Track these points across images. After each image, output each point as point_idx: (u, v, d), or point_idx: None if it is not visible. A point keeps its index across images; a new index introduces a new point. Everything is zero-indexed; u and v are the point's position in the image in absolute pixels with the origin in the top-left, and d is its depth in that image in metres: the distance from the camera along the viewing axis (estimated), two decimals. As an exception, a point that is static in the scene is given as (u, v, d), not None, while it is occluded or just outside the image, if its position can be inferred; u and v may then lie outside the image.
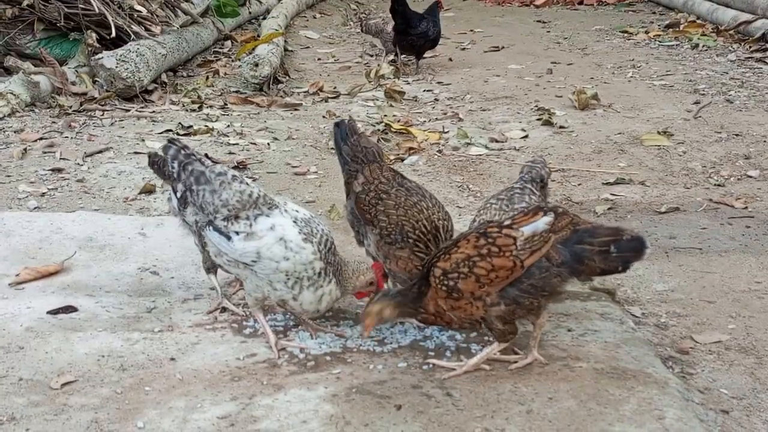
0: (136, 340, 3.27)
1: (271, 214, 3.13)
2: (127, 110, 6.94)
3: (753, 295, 3.97)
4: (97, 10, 7.62)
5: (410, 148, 6.30)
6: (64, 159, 5.56)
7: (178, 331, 3.36)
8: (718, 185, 5.55)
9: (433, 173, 5.79)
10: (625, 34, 11.92)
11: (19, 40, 7.68)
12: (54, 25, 7.71)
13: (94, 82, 7.27)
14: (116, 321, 3.42)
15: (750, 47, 10.14)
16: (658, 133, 6.64)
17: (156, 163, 3.37)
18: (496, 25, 13.53)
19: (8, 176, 5.22)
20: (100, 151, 5.74)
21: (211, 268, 3.52)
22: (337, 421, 2.76)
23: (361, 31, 10.58)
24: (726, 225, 4.86)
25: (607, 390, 2.94)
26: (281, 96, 7.84)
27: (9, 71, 7.32)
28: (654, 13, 14.40)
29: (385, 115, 7.20)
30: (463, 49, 11.13)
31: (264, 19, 11.53)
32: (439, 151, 6.31)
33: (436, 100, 8.10)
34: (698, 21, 12.24)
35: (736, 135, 6.60)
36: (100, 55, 7.24)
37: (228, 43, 10.46)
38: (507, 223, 2.99)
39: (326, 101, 7.77)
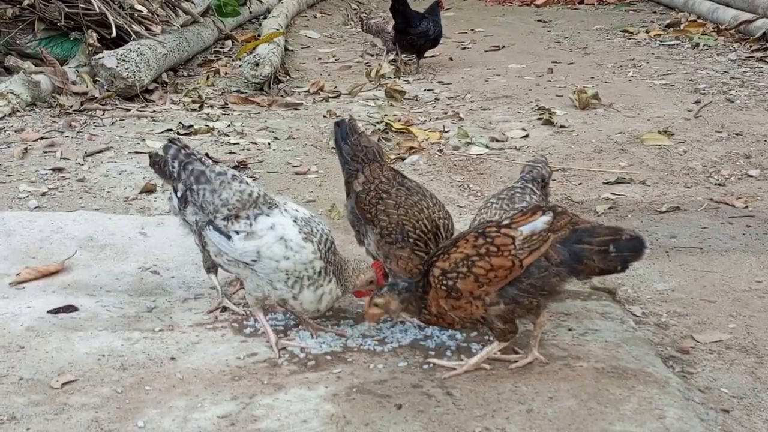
0: (137, 339, 3.28)
1: (271, 214, 3.13)
2: (128, 110, 6.94)
3: (753, 295, 3.97)
4: (97, 10, 7.63)
5: (411, 148, 6.29)
6: (64, 158, 5.56)
7: (179, 330, 3.36)
8: (719, 184, 5.55)
9: (434, 173, 5.79)
10: (626, 34, 11.90)
11: (19, 39, 7.68)
12: (54, 25, 7.71)
13: (94, 81, 7.27)
14: (117, 320, 3.42)
15: (750, 46, 10.13)
16: (659, 132, 6.64)
17: (157, 163, 3.38)
18: (496, 24, 13.53)
19: (9, 176, 5.22)
20: (101, 151, 5.74)
21: (212, 267, 3.52)
22: (337, 420, 2.76)
23: (362, 30, 10.56)
24: (726, 224, 4.86)
25: (608, 389, 2.94)
26: (282, 95, 7.84)
27: (10, 71, 7.32)
28: (654, 12, 14.39)
29: (386, 115, 7.19)
30: (464, 48, 11.12)
31: (264, 18, 11.52)
32: (440, 151, 6.31)
33: (437, 99, 8.09)
34: (699, 20, 12.24)
35: (737, 134, 6.60)
36: (100, 55, 7.23)
37: (228, 42, 10.46)
38: (505, 222, 2.99)
39: (327, 101, 7.76)
